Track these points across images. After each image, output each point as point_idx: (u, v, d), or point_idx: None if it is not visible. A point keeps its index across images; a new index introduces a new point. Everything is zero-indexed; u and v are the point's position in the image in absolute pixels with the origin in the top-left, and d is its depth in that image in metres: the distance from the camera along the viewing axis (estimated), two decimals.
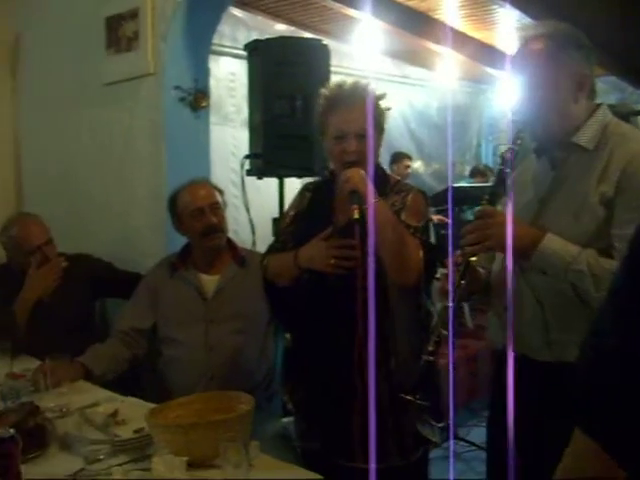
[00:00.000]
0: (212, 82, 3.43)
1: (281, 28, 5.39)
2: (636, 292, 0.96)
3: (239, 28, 5.12)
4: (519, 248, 1.69)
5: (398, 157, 6.24)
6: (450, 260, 1.80)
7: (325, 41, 3.05)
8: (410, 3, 5.13)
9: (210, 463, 1.63)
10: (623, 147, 1.69)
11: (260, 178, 3.02)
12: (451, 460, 3.14)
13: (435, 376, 2.06)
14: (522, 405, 1.68)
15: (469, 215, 4.69)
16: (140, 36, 3.22)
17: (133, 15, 3.24)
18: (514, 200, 1.83)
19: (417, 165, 7.09)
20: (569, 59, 1.72)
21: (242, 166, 3.03)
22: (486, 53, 6.21)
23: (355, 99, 1.98)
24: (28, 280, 2.77)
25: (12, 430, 1.63)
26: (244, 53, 3.15)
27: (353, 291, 1.90)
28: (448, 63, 6.49)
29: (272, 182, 3.09)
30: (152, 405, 1.97)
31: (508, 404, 1.63)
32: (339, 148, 2.03)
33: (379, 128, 2.09)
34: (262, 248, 2.81)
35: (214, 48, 3.65)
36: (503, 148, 1.85)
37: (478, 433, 3.77)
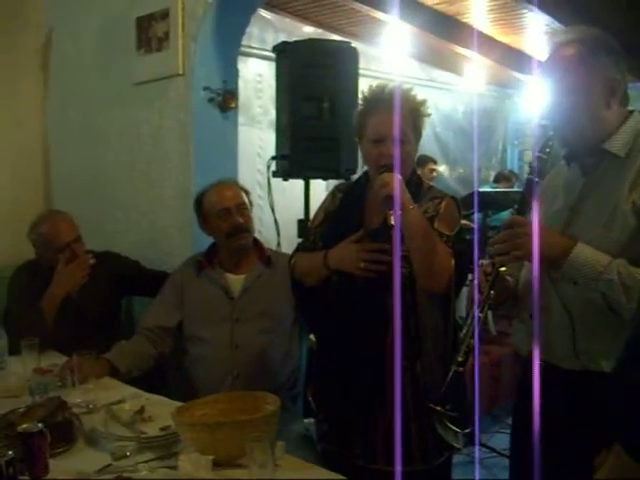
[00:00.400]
0: (240, 83, 3.45)
1: (309, 30, 5.40)
2: None
3: (267, 30, 5.14)
4: (550, 257, 1.67)
5: (423, 161, 6.21)
6: (476, 267, 1.79)
7: (353, 44, 3.05)
8: (438, 7, 5.12)
9: (236, 462, 1.64)
10: None
11: (286, 179, 3.03)
12: (477, 466, 3.13)
13: (462, 385, 2.06)
14: (547, 413, 1.67)
15: (494, 220, 4.66)
16: (170, 36, 3.24)
17: (164, 15, 3.27)
18: (544, 208, 1.82)
19: (442, 169, 7.06)
20: (600, 64, 1.70)
21: (268, 167, 3.05)
22: (514, 57, 6.18)
23: (395, 103, 1.97)
24: (56, 276, 2.80)
25: (40, 424, 1.66)
26: (272, 54, 3.17)
27: (381, 295, 1.90)
28: (475, 67, 6.46)
29: (297, 184, 3.10)
30: (177, 403, 1.98)
31: (534, 412, 1.62)
32: (376, 151, 2.03)
33: (417, 133, 2.08)
34: (287, 249, 2.83)
35: (242, 49, 3.67)
36: (530, 154, 1.83)
37: (500, 439, 3.75)
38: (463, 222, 2.20)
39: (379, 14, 4.94)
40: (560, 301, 1.76)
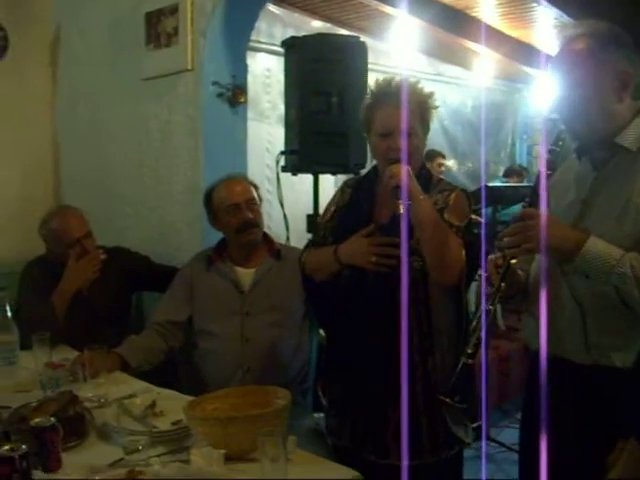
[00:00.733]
0: (249, 78, 3.45)
1: (317, 25, 5.39)
2: None
3: (276, 24, 5.13)
4: (562, 250, 1.67)
5: (432, 155, 6.20)
6: (483, 261, 1.79)
7: (361, 38, 3.04)
8: (447, 1, 5.11)
9: (248, 457, 1.64)
10: None
11: (295, 174, 3.03)
12: (483, 460, 3.13)
13: (472, 378, 2.06)
14: (557, 408, 1.67)
15: (504, 215, 4.65)
16: (179, 32, 3.24)
17: (173, 11, 3.27)
18: (555, 201, 1.82)
19: (451, 163, 7.05)
20: (611, 57, 1.70)
21: (277, 162, 3.05)
22: (523, 51, 6.15)
23: (402, 96, 1.96)
24: (67, 272, 2.81)
25: (53, 419, 1.67)
26: (280, 49, 3.17)
27: (393, 289, 1.90)
28: (484, 61, 6.44)
29: (306, 178, 3.10)
30: (188, 397, 1.99)
31: (542, 406, 1.62)
32: (384, 145, 2.03)
33: (425, 126, 2.08)
34: (296, 244, 2.84)
35: (251, 44, 3.66)
36: (538, 148, 1.84)
37: (509, 434, 3.75)
38: (472, 216, 2.20)
39: (388, 8, 4.92)
40: (571, 294, 1.76)
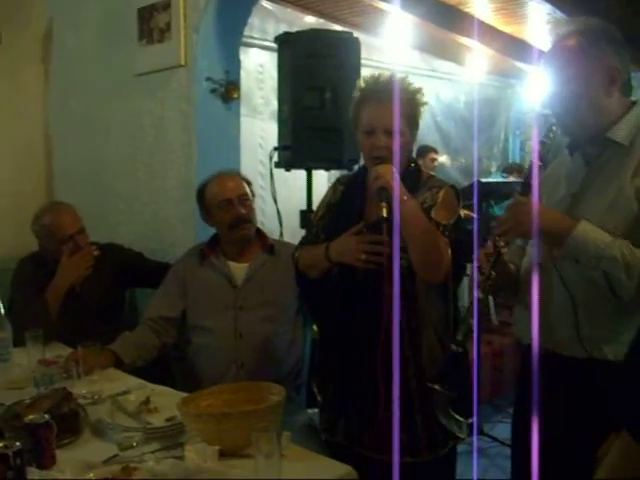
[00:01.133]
0: (242, 74, 3.44)
1: (310, 20, 5.37)
2: None
3: (268, 20, 5.12)
4: (553, 234, 1.70)
5: (424, 150, 6.20)
6: (475, 254, 1.81)
7: (355, 34, 3.04)
8: None
9: (242, 453, 1.65)
10: None
11: (288, 170, 3.03)
12: (474, 455, 3.14)
13: (464, 369, 2.07)
14: (548, 401, 1.68)
15: (497, 211, 4.66)
16: (172, 27, 3.23)
17: (165, 6, 3.26)
18: (547, 196, 1.84)
19: (443, 159, 7.04)
20: (600, 53, 1.72)
21: (271, 158, 3.05)
22: (516, 47, 6.15)
23: (388, 94, 1.94)
24: (60, 268, 2.80)
25: (47, 416, 1.67)
26: (273, 45, 3.16)
27: (382, 286, 1.90)
28: (477, 57, 6.44)
29: (299, 174, 3.10)
30: (182, 394, 1.99)
31: (533, 399, 1.63)
32: (369, 143, 2.03)
33: (413, 123, 2.07)
34: (289, 240, 2.84)
35: (244, 40, 3.66)
36: (531, 144, 1.87)
37: (503, 429, 3.76)
38: (465, 212, 2.21)
39: (381, 4, 4.91)
40: (563, 285, 1.78)
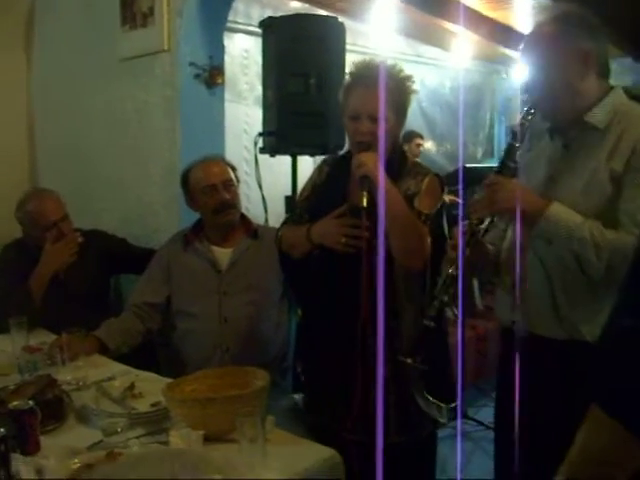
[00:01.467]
0: (226, 59, 3.42)
1: (295, 5, 5.32)
2: None
3: (253, 5, 5.07)
4: (527, 214, 1.74)
5: (410, 136, 6.20)
6: (460, 231, 1.83)
7: (340, 19, 3.02)
8: None
9: (226, 437, 1.65)
10: (635, 127, 1.73)
11: (273, 156, 3.02)
12: (458, 438, 3.17)
13: (438, 344, 2.07)
14: (530, 383, 1.70)
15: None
16: (155, 12, 3.20)
17: None
18: (525, 180, 1.87)
19: (429, 145, 7.05)
20: (573, 37, 1.76)
21: (255, 144, 3.03)
22: (501, 33, 6.14)
23: (375, 80, 1.95)
24: (44, 255, 2.79)
25: (31, 402, 1.67)
26: (258, 30, 3.13)
27: (360, 270, 1.91)
28: (462, 42, 6.43)
29: (284, 160, 3.09)
30: (167, 379, 1.99)
31: (515, 381, 1.65)
32: (353, 128, 2.03)
33: (400, 110, 2.06)
34: (274, 225, 2.83)
35: (228, 25, 3.63)
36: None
37: (487, 412, 3.79)
38: (450, 197, 2.22)
39: None
40: (542, 267, 1.81)
